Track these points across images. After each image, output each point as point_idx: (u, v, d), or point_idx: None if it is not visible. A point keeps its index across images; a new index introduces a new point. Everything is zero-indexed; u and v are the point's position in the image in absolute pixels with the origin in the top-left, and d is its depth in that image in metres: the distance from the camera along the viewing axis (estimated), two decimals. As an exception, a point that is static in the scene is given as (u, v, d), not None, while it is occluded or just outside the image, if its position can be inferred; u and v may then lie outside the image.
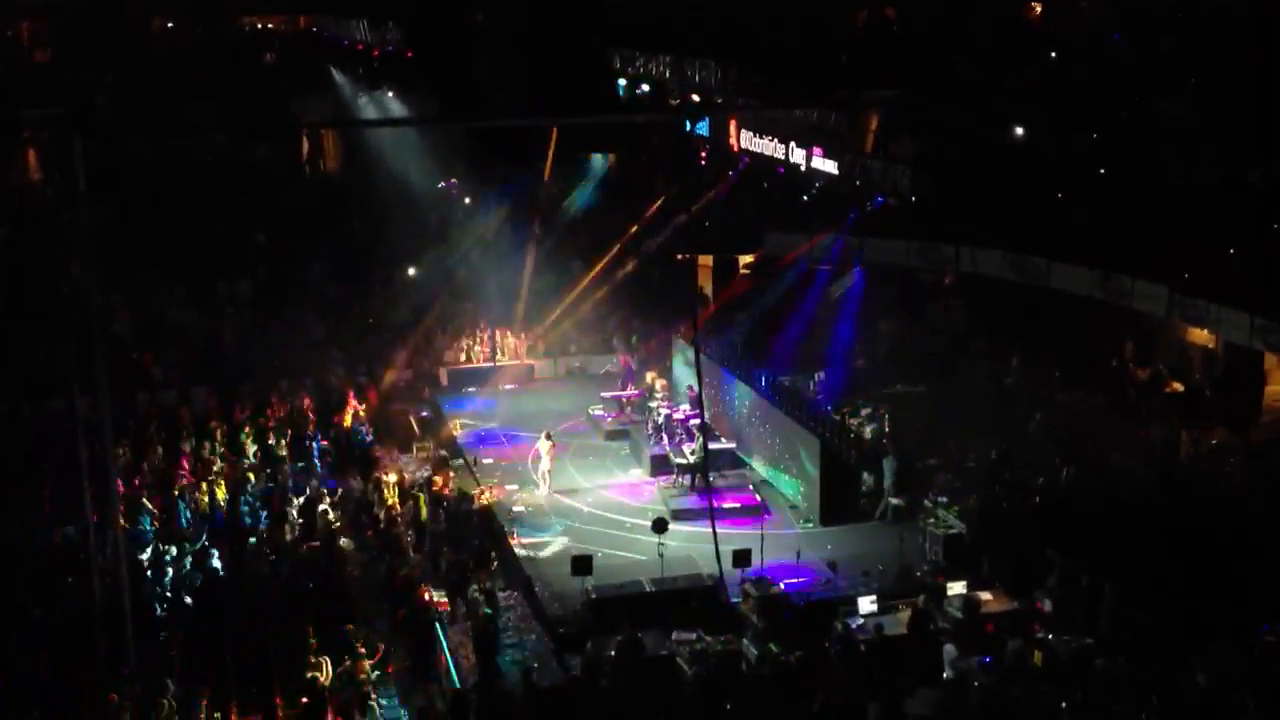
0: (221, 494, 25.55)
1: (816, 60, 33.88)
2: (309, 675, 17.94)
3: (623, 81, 40.28)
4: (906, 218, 32.05)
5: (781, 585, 21.64)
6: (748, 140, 36.27)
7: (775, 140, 34.63)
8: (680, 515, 25.58)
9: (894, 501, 25.74)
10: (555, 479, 28.00)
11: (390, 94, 43.00)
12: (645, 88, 40.04)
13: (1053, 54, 31.74)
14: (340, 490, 26.20)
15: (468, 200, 42.28)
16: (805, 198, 34.80)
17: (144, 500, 24.87)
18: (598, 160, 41.18)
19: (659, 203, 37.71)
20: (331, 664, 18.37)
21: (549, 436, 28.47)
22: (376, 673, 19.11)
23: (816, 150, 32.90)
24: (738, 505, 26.27)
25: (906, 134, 31.71)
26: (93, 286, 18.35)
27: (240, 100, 42.73)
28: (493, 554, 24.09)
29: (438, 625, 20.88)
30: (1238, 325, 26.27)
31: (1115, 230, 28.23)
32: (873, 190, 31.80)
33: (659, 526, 23.36)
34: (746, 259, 39.19)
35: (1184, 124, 27.94)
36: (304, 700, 17.54)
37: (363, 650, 18.89)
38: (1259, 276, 25.79)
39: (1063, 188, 29.91)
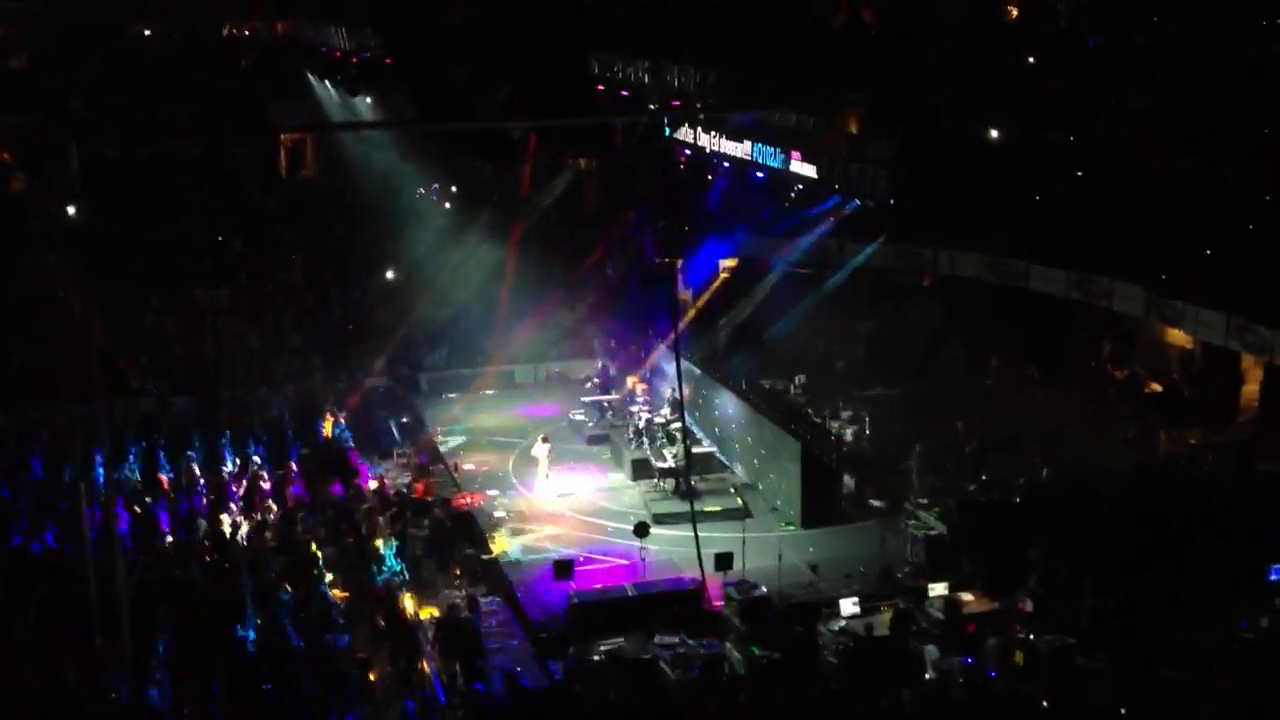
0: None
1: (794, 63, 33.84)
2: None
3: (601, 87, 40.17)
4: (884, 220, 32.08)
5: None
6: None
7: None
8: (662, 519, 25.56)
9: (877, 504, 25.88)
10: (548, 482, 28.00)
11: (368, 100, 42.87)
12: (624, 93, 39.94)
13: (1030, 58, 31.78)
14: (319, 498, 26.06)
15: (446, 205, 42.15)
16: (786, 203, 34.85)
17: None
18: None
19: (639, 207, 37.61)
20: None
21: (545, 440, 28.41)
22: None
23: (795, 154, 32.97)
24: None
25: (883, 135, 31.73)
26: (80, 292, 18.15)
27: (218, 106, 42.52)
28: (479, 559, 24.04)
29: (419, 632, 20.79)
30: (1213, 325, 26.37)
31: (1092, 231, 28.31)
32: (851, 193, 31.85)
33: (641, 531, 23.35)
34: (726, 262, 39.16)
35: (1158, 122, 28.01)
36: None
37: None
38: (1235, 276, 25.88)
39: (1039, 189, 29.98)
